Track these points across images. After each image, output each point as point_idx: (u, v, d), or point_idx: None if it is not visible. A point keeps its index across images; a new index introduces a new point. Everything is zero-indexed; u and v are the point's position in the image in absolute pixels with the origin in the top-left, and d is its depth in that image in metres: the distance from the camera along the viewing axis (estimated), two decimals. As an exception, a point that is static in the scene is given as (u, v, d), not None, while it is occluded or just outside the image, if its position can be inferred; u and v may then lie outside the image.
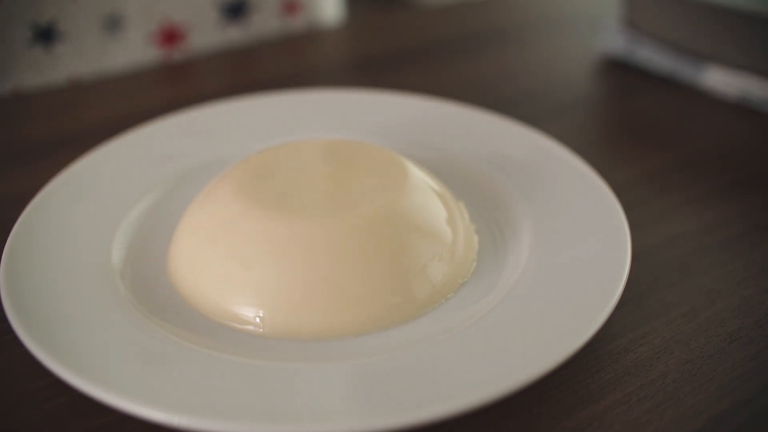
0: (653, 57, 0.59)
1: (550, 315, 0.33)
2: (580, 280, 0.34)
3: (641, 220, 0.42)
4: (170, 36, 0.65)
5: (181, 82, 0.62)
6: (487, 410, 0.31)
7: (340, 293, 0.34)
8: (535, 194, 0.41)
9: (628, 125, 0.55)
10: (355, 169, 0.39)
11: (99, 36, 0.62)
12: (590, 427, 0.31)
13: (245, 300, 0.34)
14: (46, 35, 0.60)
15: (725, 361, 0.34)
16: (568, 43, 0.67)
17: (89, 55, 0.62)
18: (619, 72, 0.61)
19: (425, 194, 0.38)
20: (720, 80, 0.56)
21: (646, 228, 0.42)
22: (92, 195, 0.41)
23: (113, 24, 0.62)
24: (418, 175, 0.39)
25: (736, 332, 0.36)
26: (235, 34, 0.68)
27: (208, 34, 0.67)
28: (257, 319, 0.34)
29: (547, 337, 0.32)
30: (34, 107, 0.57)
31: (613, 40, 0.62)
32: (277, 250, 0.35)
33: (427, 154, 0.45)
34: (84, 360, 0.31)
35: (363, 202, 0.36)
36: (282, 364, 0.32)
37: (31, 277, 0.35)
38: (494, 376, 0.30)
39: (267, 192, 0.37)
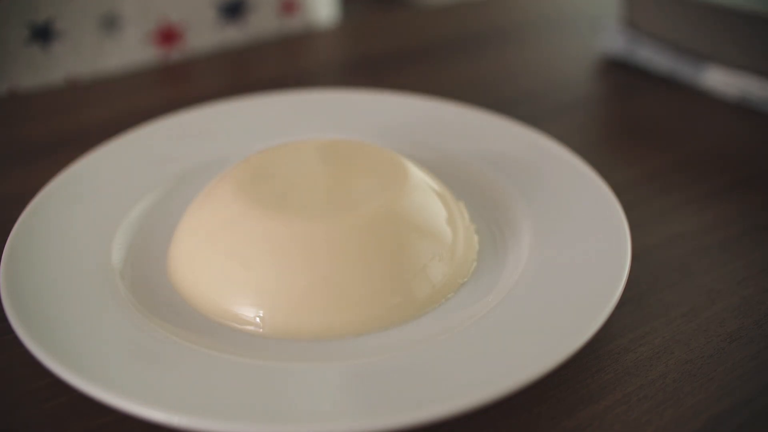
0: (653, 57, 0.59)
1: (550, 315, 0.33)
2: (580, 280, 0.34)
3: (641, 220, 0.42)
4: (168, 35, 0.65)
5: (179, 82, 0.62)
6: (487, 410, 0.31)
7: (340, 293, 0.34)
8: (535, 194, 0.41)
9: (628, 125, 0.55)
10: (355, 169, 0.39)
11: (96, 35, 0.62)
12: (590, 427, 0.31)
13: (245, 300, 0.34)
14: (43, 34, 0.60)
15: (725, 361, 0.34)
16: (568, 43, 0.67)
17: (86, 55, 0.62)
18: (619, 72, 0.61)
19: (425, 194, 0.38)
20: (720, 80, 0.56)
21: (646, 228, 0.42)
22: (92, 195, 0.41)
23: (110, 23, 0.62)
24: (418, 175, 0.39)
25: (736, 332, 0.36)
26: (232, 34, 0.68)
27: (205, 33, 0.67)
28: (257, 319, 0.34)
29: (547, 337, 0.32)
30: (33, 107, 0.57)
31: (613, 40, 0.62)
32: (277, 250, 0.35)
33: (427, 154, 0.45)
34: (84, 360, 0.31)
35: (363, 202, 0.36)
36: (282, 364, 0.31)
37: (31, 277, 0.35)
38: (494, 376, 0.30)
39: (267, 192, 0.37)
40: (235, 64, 0.65)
